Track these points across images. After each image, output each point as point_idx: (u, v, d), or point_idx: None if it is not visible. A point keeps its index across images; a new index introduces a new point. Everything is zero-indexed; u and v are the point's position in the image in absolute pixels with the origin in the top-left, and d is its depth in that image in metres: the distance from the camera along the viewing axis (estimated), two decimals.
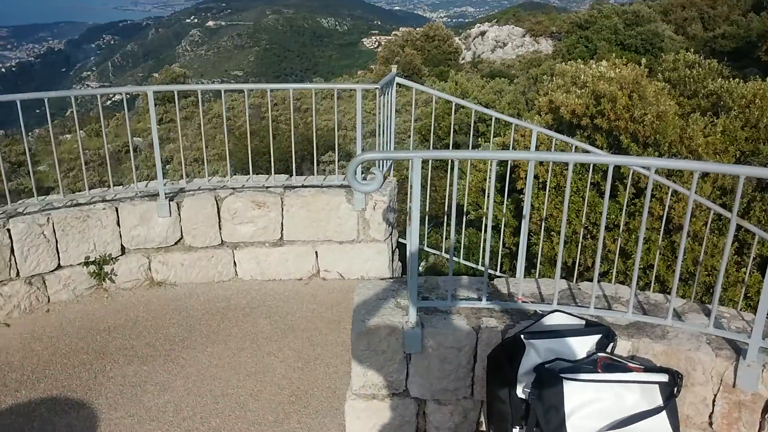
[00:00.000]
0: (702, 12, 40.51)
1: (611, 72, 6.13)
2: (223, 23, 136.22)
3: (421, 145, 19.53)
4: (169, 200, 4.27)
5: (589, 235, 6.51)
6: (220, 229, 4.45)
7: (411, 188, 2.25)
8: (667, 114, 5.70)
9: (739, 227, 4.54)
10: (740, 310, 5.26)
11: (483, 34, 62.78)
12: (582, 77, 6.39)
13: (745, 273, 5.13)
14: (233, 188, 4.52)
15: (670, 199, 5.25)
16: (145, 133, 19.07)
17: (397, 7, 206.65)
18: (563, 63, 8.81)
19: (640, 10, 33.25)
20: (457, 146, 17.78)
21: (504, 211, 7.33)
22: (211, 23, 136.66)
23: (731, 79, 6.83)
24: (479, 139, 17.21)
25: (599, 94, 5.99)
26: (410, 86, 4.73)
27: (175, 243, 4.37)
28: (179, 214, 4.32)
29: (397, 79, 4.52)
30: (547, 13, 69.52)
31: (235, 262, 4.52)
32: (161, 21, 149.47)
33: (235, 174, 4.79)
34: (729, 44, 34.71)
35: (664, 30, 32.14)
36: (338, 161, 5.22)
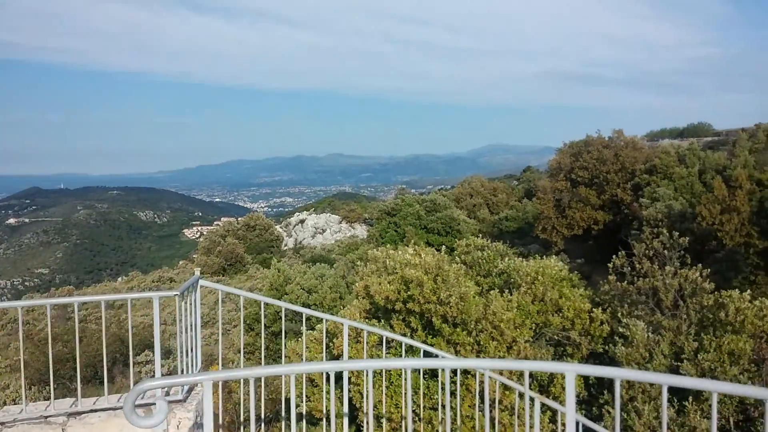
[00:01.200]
0: (486, 199, 47.67)
1: (416, 259, 6.61)
2: (26, 220, 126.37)
3: (246, 335, 18.73)
4: None
5: (417, 419, 6.42)
6: None
7: (204, 418, 1.99)
8: (468, 294, 6.18)
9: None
10: None
11: (302, 221, 66.13)
12: (390, 263, 6.79)
13: None
14: (2, 423, 3.70)
15: (480, 375, 5.46)
16: None
17: (217, 199, 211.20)
18: (375, 248, 9.37)
19: (436, 199, 37.93)
20: (282, 333, 17.37)
21: (333, 400, 6.98)
22: (12, 221, 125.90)
23: (517, 258, 7.77)
24: (305, 324, 17.08)
25: (408, 280, 6.36)
26: (215, 288, 4.51)
27: None
28: None
29: (202, 282, 4.30)
30: (359, 201, 76.25)
31: None
32: None
33: (35, 385, 3.96)
34: (512, 225, 40.72)
35: (459, 215, 36.74)
36: (133, 375, 4.63)
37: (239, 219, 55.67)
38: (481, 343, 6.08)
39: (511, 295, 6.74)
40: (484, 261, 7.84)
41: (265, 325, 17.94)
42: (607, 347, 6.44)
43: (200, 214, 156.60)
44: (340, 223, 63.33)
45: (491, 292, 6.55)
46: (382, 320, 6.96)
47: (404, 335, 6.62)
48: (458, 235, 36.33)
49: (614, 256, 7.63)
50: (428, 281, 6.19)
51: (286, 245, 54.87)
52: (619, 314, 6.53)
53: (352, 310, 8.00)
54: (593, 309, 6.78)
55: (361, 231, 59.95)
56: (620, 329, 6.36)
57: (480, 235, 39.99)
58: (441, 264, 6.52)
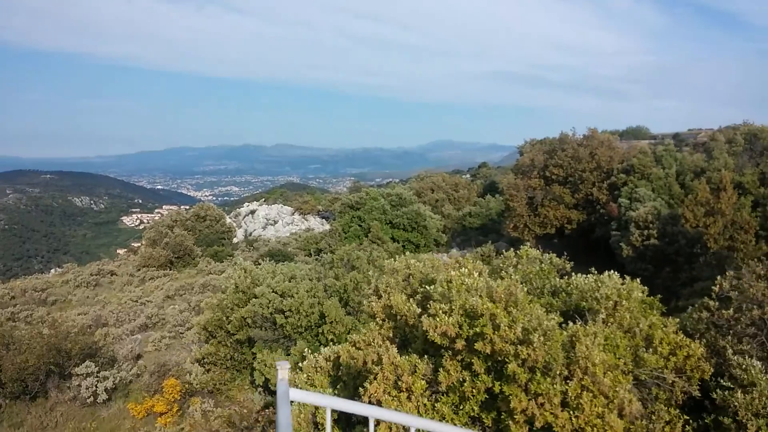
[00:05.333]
0: (448, 194, 46.63)
1: (479, 282, 5.07)
2: None
3: (207, 344, 16.72)
4: None
5: None
6: None
7: None
8: (554, 330, 4.70)
9: None
10: None
11: (253, 212, 63.43)
12: (445, 290, 5.19)
13: None
14: None
15: None
16: None
17: (159, 186, 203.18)
18: (391, 257, 7.80)
19: (402, 193, 36.48)
20: (250, 342, 15.51)
21: None
22: None
23: (578, 274, 6.34)
24: (275, 332, 15.28)
25: (474, 312, 4.81)
26: (311, 403, 2.62)
27: None
28: None
29: (294, 394, 2.39)
30: (312, 193, 73.99)
31: None
32: None
33: None
34: (476, 221, 39.81)
35: (424, 210, 35.43)
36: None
37: (186, 208, 52.56)
38: (569, 393, 4.65)
39: (587, 324, 5.32)
40: (538, 277, 6.39)
41: (229, 332, 15.77)
42: (714, 393, 5.10)
43: (140, 201, 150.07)
44: (293, 214, 61.12)
45: (572, 325, 5.11)
46: (425, 357, 5.40)
47: (462, 381, 5.05)
48: (424, 230, 35.07)
49: (719, 277, 6.27)
50: (502, 314, 4.68)
51: (235, 237, 52.27)
52: (728, 351, 5.23)
53: (372, 334, 6.39)
54: (690, 343, 5.46)
55: (315, 223, 57.94)
56: (732, 370, 5.07)
57: (444, 230, 38.57)
58: (512, 289, 5.00)
